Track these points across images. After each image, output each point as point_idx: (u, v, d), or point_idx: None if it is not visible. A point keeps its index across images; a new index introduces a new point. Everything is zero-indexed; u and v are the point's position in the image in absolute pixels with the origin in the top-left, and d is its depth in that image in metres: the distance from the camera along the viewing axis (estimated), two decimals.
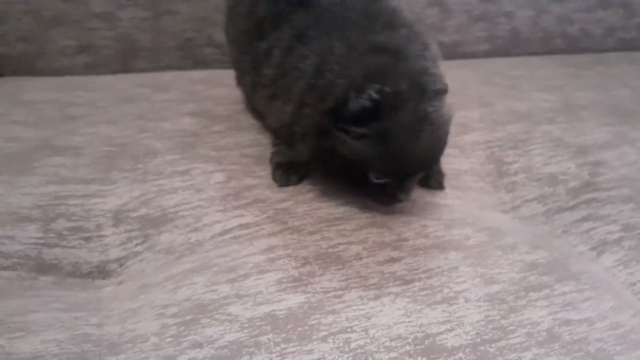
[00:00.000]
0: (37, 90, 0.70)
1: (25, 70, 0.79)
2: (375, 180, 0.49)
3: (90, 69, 0.82)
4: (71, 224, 0.50)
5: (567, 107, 0.82)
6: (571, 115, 0.79)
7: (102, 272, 0.49)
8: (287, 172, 0.56)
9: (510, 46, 1.08)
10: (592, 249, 0.57)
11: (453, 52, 1.03)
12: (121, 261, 0.49)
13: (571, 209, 0.63)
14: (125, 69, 0.84)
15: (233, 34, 0.62)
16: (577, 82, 0.93)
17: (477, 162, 0.69)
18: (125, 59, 0.84)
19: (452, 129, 0.71)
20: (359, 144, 0.46)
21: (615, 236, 0.57)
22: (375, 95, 0.44)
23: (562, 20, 1.10)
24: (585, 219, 0.61)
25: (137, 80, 0.77)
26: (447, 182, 0.62)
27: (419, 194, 0.59)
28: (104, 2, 0.81)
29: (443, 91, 0.49)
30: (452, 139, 0.70)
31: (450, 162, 0.66)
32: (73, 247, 0.49)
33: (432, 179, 0.60)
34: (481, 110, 0.78)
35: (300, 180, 0.56)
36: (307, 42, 0.51)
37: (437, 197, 0.60)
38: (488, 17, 1.03)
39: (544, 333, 0.42)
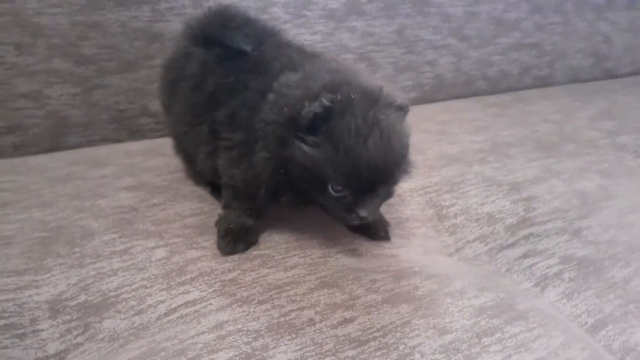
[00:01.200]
0: None
1: None
2: (333, 193, 0.49)
3: (19, 150, 0.79)
4: (3, 321, 0.47)
5: (495, 147, 0.86)
6: (500, 154, 0.84)
7: None
8: (234, 239, 0.55)
9: (436, 92, 1.14)
10: (535, 284, 0.59)
11: None
12: (61, 355, 0.46)
13: (511, 246, 0.66)
14: (57, 147, 0.81)
15: (177, 109, 0.62)
16: (501, 121, 0.98)
17: (417, 208, 0.71)
18: (57, 136, 0.82)
19: None
20: (313, 150, 0.47)
21: (555, 269, 0.60)
22: (326, 102, 0.46)
23: (481, 63, 1.18)
24: (525, 255, 0.63)
25: (70, 158, 0.75)
26: (391, 231, 0.63)
27: (365, 247, 0.60)
28: (30, 81, 0.79)
29: (400, 106, 0.50)
30: None
31: (391, 211, 0.68)
32: (5, 347, 0.45)
33: (379, 230, 0.61)
34: (415, 157, 0.80)
35: (247, 247, 0.56)
36: (271, 90, 0.52)
37: (384, 248, 0.61)
38: (413, 67, 1.09)
39: None
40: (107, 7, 0.80)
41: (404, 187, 0.74)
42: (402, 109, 0.51)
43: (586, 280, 0.58)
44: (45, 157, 0.76)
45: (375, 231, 0.61)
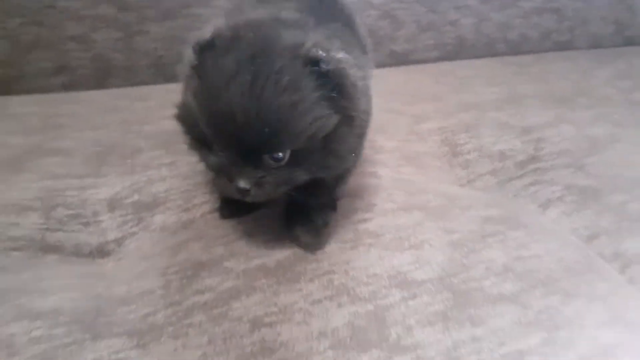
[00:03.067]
0: (19, 105, 0.74)
1: (3, 92, 0.82)
2: (217, 151, 0.41)
3: (67, 89, 0.87)
4: (70, 211, 0.54)
5: (511, 97, 0.91)
6: (516, 103, 0.89)
7: (101, 251, 0.53)
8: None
9: (457, 52, 1.18)
10: (539, 206, 0.65)
11: (405, 60, 1.12)
12: (119, 241, 0.54)
13: (519, 177, 0.71)
14: (101, 87, 0.88)
15: None
16: (520, 78, 1.03)
17: (434, 146, 0.76)
18: (101, 78, 0.89)
19: (407, 120, 0.80)
20: (193, 91, 0.40)
21: (558, 194, 0.65)
22: (208, 37, 0.40)
23: (502, 26, 1.21)
24: (531, 184, 0.69)
25: (115, 94, 0.83)
26: (408, 162, 0.69)
27: (384, 172, 0.65)
28: (78, 26, 0.86)
29: (312, 60, 0.39)
30: (409, 127, 0.78)
31: (408, 146, 0.74)
32: (73, 231, 0.53)
33: (312, 216, 0.50)
34: (434, 104, 0.86)
35: None
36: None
37: (402, 174, 0.67)
38: (435, 27, 1.13)
39: (500, 266, 0.49)
40: None
41: (422, 127, 0.80)
42: (316, 66, 0.39)
43: (585, 203, 0.63)
44: (93, 93, 0.83)
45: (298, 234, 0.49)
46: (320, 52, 0.39)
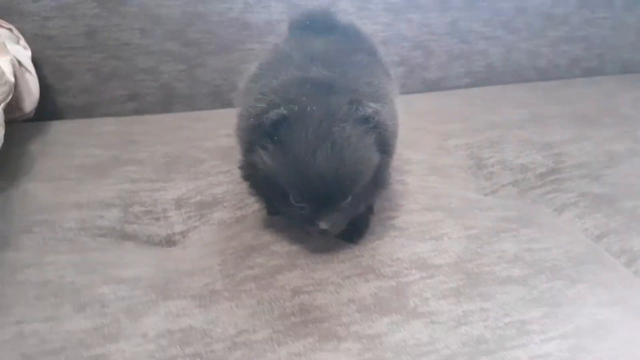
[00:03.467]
0: (100, 125, 0.87)
1: (86, 115, 0.96)
2: (295, 203, 0.50)
3: (138, 113, 1.00)
4: (144, 208, 0.65)
5: (535, 117, 0.97)
6: (539, 123, 0.95)
7: (169, 241, 0.63)
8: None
9: (487, 79, 1.25)
10: (554, 210, 0.71)
11: (437, 87, 1.21)
12: (184, 233, 0.64)
13: (539, 187, 0.77)
14: (167, 112, 1.01)
15: None
16: (546, 100, 1.09)
17: (460, 159, 0.84)
18: (167, 104, 1.02)
19: (436, 136, 0.88)
20: (271, 159, 0.48)
21: (573, 200, 0.71)
22: (283, 111, 0.47)
23: (530, 54, 1.28)
24: (549, 192, 0.75)
25: (179, 117, 0.95)
26: (434, 172, 0.77)
27: (412, 180, 0.73)
28: (148, 59, 0.99)
29: (362, 119, 0.48)
30: (437, 143, 0.86)
31: (435, 159, 0.82)
32: (146, 224, 0.63)
33: (355, 229, 0.57)
34: (461, 123, 0.94)
35: None
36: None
37: (427, 182, 0.74)
38: (465, 55, 1.22)
39: (511, 256, 0.56)
40: (208, 0, 1.00)
41: (450, 143, 0.87)
42: (365, 122, 0.48)
43: (598, 207, 0.69)
44: (160, 116, 0.95)
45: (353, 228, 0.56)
46: (368, 110, 0.48)
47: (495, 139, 0.88)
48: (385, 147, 0.51)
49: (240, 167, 0.54)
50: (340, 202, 0.49)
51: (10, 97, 0.73)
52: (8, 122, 0.70)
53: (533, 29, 1.27)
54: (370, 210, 0.61)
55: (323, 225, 0.49)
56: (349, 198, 0.49)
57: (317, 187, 0.47)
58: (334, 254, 0.55)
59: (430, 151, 0.83)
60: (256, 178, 0.52)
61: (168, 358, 0.42)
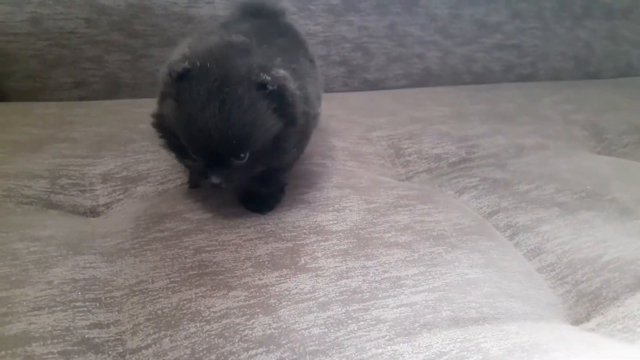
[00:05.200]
0: (42, 108, 0.90)
1: (28, 100, 0.99)
2: (192, 155, 0.53)
3: (83, 100, 1.04)
4: (71, 181, 0.69)
5: (457, 114, 1.05)
6: (460, 119, 1.02)
7: (93, 212, 0.67)
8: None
9: (424, 82, 1.32)
10: (455, 192, 0.77)
11: (377, 87, 1.28)
12: (108, 205, 0.68)
13: (448, 174, 0.84)
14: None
15: None
16: (471, 100, 1.17)
17: (380, 148, 0.90)
18: (111, 93, 1.06)
19: (362, 128, 0.94)
20: (171, 108, 0.52)
21: (474, 183, 0.78)
22: (187, 65, 0.49)
23: (466, 59, 1.37)
24: (455, 177, 0.82)
25: (121, 103, 0.99)
26: (353, 158, 0.83)
27: (332, 164, 0.79)
28: (94, 48, 1.03)
29: (260, 84, 0.50)
30: (362, 134, 0.92)
31: (358, 147, 0.88)
32: (72, 195, 0.67)
33: (264, 201, 0.62)
34: (388, 117, 1.01)
35: None
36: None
37: (345, 165, 0.80)
38: (403, 58, 1.29)
39: (402, 226, 0.62)
40: None
41: (373, 134, 0.94)
42: (262, 88, 0.50)
43: (495, 190, 0.75)
44: (104, 102, 0.99)
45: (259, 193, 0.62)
46: (266, 77, 0.50)
47: (416, 131, 0.95)
48: (288, 117, 0.53)
49: (152, 115, 0.57)
50: (230, 159, 0.52)
51: None
52: None
53: (468, 35, 1.35)
54: (280, 189, 0.66)
55: (214, 179, 0.51)
56: (244, 158, 0.52)
57: (205, 142, 0.50)
58: (241, 221, 0.60)
59: (353, 140, 0.89)
60: (163, 128, 0.56)
61: (68, 301, 0.47)
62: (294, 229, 0.59)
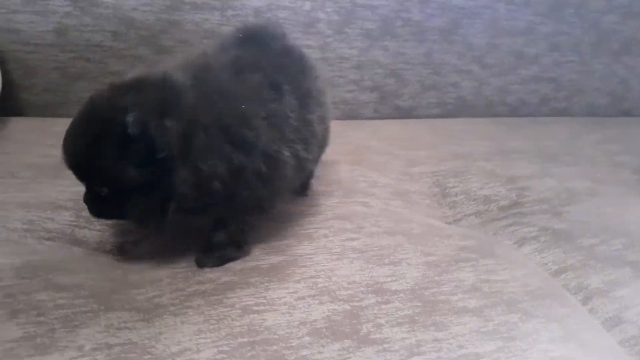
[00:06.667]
0: (63, 125, 0.84)
1: (49, 114, 0.93)
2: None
3: None
4: None
5: (500, 151, 0.99)
6: (503, 156, 0.97)
7: (120, 249, 0.60)
8: None
9: (457, 111, 1.27)
10: (515, 243, 0.71)
11: (409, 115, 1.22)
12: (136, 243, 0.61)
13: (500, 219, 0.78)
14: None
15: None
16: (512, 135, 1.11)
17: (425, 186, 0.84)
18: None
19: (402, 162, 0.88)
20: None
21: (533, 234, 0.72)
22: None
23: (501, 90, 1.31)
24: (510, 225, 0.75)
25: None
26: (398, 197, 0.76)
27: (376, 203, 0.73)
28: (120, 62, 0.97)
29: (119, 109, 0.46)
30: (403, 169, 0.86)
31: (400, 184, 0.82)
32: (98, 230, 0.61)
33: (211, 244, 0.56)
34: (428, 151, 0.95)
35: None
36: None
37: (390, 205, 0.74)
38: (438, 87, 1.24)
39: (469, 286, 0.55)
40: (185, 9, 0.99)
41: (415, 170, 0.88)
42: (123, 129, 0.45)
43: (557, 243, 0.69)
44: None
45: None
46: (130, 119, 0.45)
47: (460, 169, 0.89)
48: (163, 165, 0.47)
49: None
50: (92, 188, 0.51)
51: None
52: None
53: (504, 66, 1.30)
54: (235, 244, 0.56)
55: (85, 201, 0.52)
56: (104, 190, 0.50)
57: (67, 165, 0.50)
58: (290, 273, 0.53)
59: (395, 176, 0.83)
60: None
61: None
62: (350, 286, 0.52)
